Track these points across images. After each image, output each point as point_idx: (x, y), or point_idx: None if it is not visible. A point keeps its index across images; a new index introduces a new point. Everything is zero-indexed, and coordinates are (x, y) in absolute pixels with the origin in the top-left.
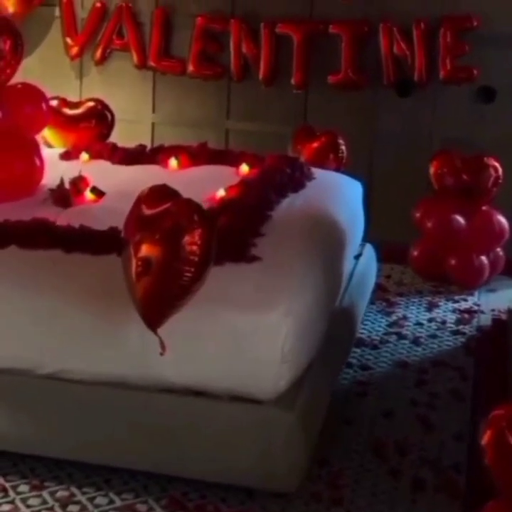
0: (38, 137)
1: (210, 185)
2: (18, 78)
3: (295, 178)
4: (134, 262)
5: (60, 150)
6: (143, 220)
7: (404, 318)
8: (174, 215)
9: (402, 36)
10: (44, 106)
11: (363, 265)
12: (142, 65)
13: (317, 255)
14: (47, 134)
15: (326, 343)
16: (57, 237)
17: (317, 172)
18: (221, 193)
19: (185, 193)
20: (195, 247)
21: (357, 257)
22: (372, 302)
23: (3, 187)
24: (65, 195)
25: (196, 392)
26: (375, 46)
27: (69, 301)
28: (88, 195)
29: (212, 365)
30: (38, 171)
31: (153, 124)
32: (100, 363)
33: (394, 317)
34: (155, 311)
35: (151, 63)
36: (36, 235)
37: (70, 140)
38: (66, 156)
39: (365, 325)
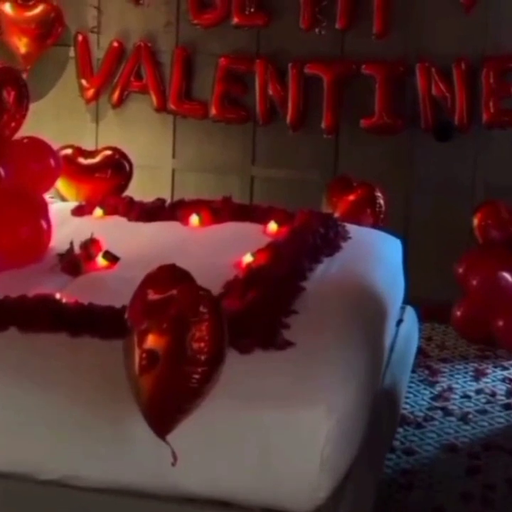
0: (49, 193)
1: (236, 246)
2: (31, 123)
3: (329, 240)
4: (137, 353)
5: (72, 204)
6: (149, 305)
7: (450, 389)
8: (179, 304)
9: (441, 77)
10: (52, 162)
11: (405, 332)
12: (162, 108)
13: (359, 335)
14: (60, 185)
15: (368, 432)
16: (63, 318)
17: (353, 229)
18: (248, 258)
19: (209, 257)
20: (202, 344)
21: (398, 323)
22: (413, 370)
23: (8, 253)
24: (75, 262)
25: (222, 502)
26: (412, 87)
27: (75, 396)
28: (100, 261)
29: (238, 474)
30: (45, 234)
31: (173, 171)
32: (109, 469)
33: (438, 388)
34: (162, 415)
35: (171, 106)
36: (39, 316)
37: (85, 192)
38: (79, 211)
39: (408, 398)
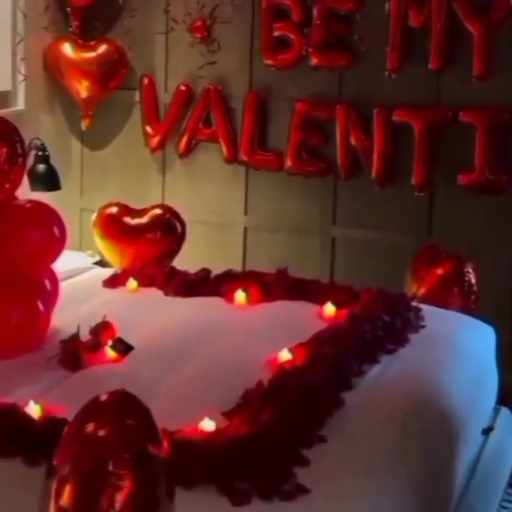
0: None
1: (279, 335)
2: (95, 175)
3: (395, 331)
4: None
5: (109, 272)
6: (78, 443)
7: None
8: (102, 449)
9: None
10: (56, 231)
11: (495, 443)
12: (232, 159)
13: (409, 475)
14: (102, 248)
15: None
16: (21, 439)
17: (433, 314)
18: (285, 355)
19: (242, 348)
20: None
21: (486, 431)
22: (510, 485)
23: None
24: (75, 353)
25: None
26: None
27: None
28: (108, 351)
29: None
30: (42, 319)
31: (245, 229)
32: None
33: None
34: None
35: (243, 157)
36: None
37: (130, 256)
38: (111, 282)
39: None
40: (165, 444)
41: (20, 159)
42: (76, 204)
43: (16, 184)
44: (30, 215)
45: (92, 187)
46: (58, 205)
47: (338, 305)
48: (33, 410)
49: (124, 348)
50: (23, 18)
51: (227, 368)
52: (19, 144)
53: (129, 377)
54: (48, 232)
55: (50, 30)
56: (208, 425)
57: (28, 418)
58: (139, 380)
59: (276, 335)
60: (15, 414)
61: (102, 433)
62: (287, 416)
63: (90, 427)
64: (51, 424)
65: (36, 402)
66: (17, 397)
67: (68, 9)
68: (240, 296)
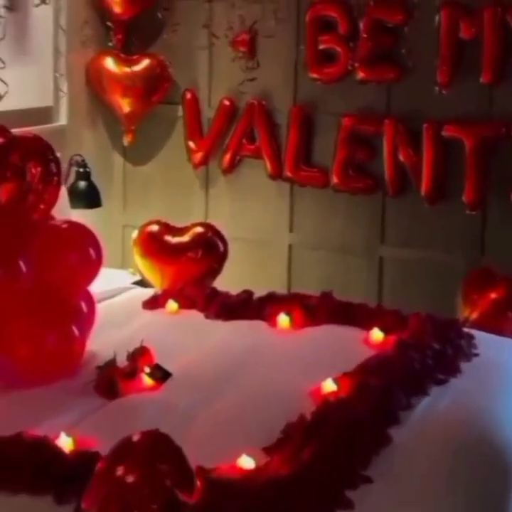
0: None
1: (323, 362)
2: (138, 190)
3: (446, 360)
4: None
5: (149, 292)
6: (107, 488)
7: None
8: (131, 495)
9: None
10: (93, 253)
11: None
12: (277, 175)
13: None
14: (142, 266)
15: None
16: (52, 474)
17: (486, 340)
18: (328, 386)
19: (284, 375)
20: None
21: None
22: None
23: (31, 366)
24: (110, 380)
25: None
26: None
27: None
28: (145, 379)
29: None
30: (77, 343)
31: (290, 246)
32: None
33: None
34: None
35: (288, 173)
36: (21, 470)
37: (170, 275)
38: (151, 304)
39: None
40: (198, 486)
41: (55, 178)
42: (118, 220)
43: (51, 204)
44: (66, 236)
45: (134, 203)
46: (100, 222)
47: (386, 331)
48: (65, 443)
49: (161, 375)
50: (64, 34)
51: (268, 398)
52: (54, 163)
53: (165, 407)
54: (84, 254)
55: (90, 45)
56: (246, 463)
57: (58, 452)
58: (175, 410)
59: (320, 362)
60: (45, 448)
61: (130, 479)
62: (330, 454)
63: (120, 471)
64: (82, 459)
65: (68, 435)
66: (49, 427)
67: (108, 23)
68: (283, 319)
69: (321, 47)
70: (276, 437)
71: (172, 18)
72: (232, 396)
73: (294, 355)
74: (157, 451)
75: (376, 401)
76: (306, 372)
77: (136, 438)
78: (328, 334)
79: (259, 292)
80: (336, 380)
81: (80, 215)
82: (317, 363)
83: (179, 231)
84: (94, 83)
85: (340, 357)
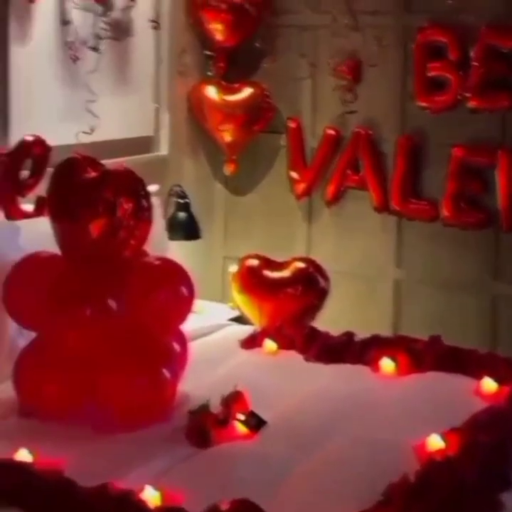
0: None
1: (429, 414)
2: (239, 222)
3: None
4: None
5: (248, 330)
6: None
7: None
8: None
9: None
10: (185, 290)
11: None
12: (383, 208)
13: None
14: (240, 301)
15: None
16: None
17: None
18: (435, 442)
19: (387, 428)
20: None
21: None
22: None
23: (120, 411)
24: (201, 427)
25: None
26: None
27: None
28: (238, 426)
29: None
30: (167, 387)
31: (396, 282)
32: None
33: None
34: None
35: (395, 206)
36: None
37: (268, 312)
38: (249, 343)
39: None
40: None
41: (147, 214)
42: (219, 251)
43: (143, 240)
44: (158, 274)
45: (235, 234)
46: (200, 253)
47: (499, 381)
48: (150, 496)
49: (255, 423)
50: (165, 63)
51: (369, 453)
52: (145, 199)
53: (258, 459)
54: (176, 292)
55: (189, 74)
56: None
57: (142, 507)
58: (269, 463)
59: (426, 414)
60: (130, 503)
61: None
62: None
63: None
64: None
65: (155, 488)
66: (137, 476)
67: (206, 52)
68: (387, 364)
69: (430, 74)
70: (375, 499)
71: (270, 46)
72: (330, 449)
73: (398, 404)
74: None
75: (487, 462)
76: (411, 425)
77: (224, 507)
78: (435, 382)
79: (361, 333)
80: (442, 436)
81: (179, 247)
82: (422, 415)
83: (279, 266)
84: (196, 112)
85: (447, 409)
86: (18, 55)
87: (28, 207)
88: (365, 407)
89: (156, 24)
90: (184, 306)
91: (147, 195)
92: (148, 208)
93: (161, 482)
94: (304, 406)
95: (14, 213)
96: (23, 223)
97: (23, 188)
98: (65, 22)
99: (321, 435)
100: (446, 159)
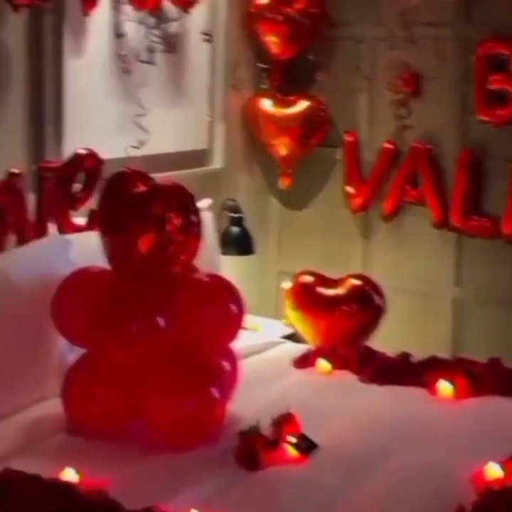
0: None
1: (487, 441)
2: (296, 236)
3: None
4: None
5: (302, 348)
6: None
7: None
8: None
9: None
10: (234, 308)
11: None
12: (442, 224)
13: None
14: (294, 319)
15: None
16: None
17: None
18: (493, 471)
19: (443, 455)
20: None
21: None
22: None
23: (167, 432)
24: (253, 449)
25: None
26: None
27: None
28: (288, 449)
29: None
30: (216, 408)
31: (455, 301)
32: None
33: None
34: None
35: (454, 222)
36: None
37: (322, 330)
38: (302, 362)
39: None
40: None
41: (196, 229)
42: (273, 267)
43: (192, 256)
44: (207, 291)
45: (290, 249)
46: (254, 268)
47: None
48: None
49: (306, 446)
50: (219, 75)
51: (424, 480)
52: (194, 214)
53: (308, 485)
54: (224, 309)
55: (243, 87)
56: None
57: None
58: (319, 489)
59: (485, 440)
60: None
61: None
62: None
63: None
64: None
65: None
66: (183, 500)
67: (259, 65)
68: (444, 388)
69: (491, 87)
70: None
71: (326, 59)
72: (384, 474)
73: (456, 429)
74: None
75: None
76: (468, 452)
77: None
78: (494, 407)
79: (417, 353)
80: (501, 464)
81: (232, 262)
82: (481, 441)
83: (333, 283)
84: (251, 125)
85: (507, 435)
86: (73, 68)
87: (79, 220)
88: (421, 431)
89: (208, 37)
90: (233, 324)
91: (197, 211)
92: (198, 224)
93: (208, 506)
94: (358, 429)
95: (66, 227)
96: (74, 237)
97: (75, 202)
98: (118, 35)
99: (375, 460)
100: (508, 174)
